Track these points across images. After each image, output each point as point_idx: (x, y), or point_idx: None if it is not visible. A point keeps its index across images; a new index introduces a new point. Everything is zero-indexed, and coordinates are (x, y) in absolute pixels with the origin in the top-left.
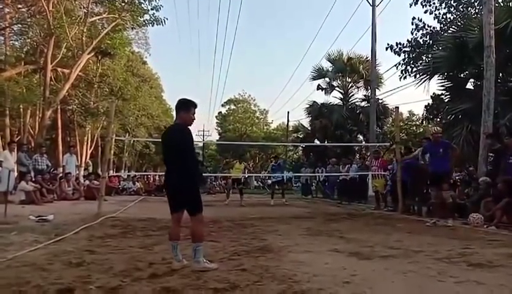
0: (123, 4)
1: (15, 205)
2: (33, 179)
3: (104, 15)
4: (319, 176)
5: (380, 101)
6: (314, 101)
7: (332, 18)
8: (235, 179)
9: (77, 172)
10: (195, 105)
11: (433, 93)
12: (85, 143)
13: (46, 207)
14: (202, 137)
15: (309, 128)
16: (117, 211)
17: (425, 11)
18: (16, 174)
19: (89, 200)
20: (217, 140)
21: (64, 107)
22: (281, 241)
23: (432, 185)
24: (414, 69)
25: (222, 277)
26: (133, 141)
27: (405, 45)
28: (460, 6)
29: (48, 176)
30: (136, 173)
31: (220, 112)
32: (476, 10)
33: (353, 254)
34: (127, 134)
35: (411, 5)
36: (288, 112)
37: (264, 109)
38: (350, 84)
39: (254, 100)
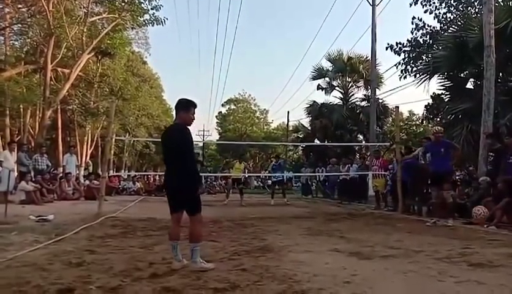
0: (123, 4)
1: (15, 205)
2: (33, 179)
3: (104, 15)
4: (319, 175)
5: (380, 101)
6: (314, 101)
7: (332, 18)
8: (235, 179)
9: (77, 172)
10: (194, 105)
11: (433, 93)
12: (85, 143)
13: (46, 207)
14: (202, 137)
15: (309, 128)
16: (118, 211)
17: (425, 11)
18: (16, 174)
19: (89, 200)
20: (217, 140)
21: (64, 107)
22: (281, 240)
23: (433, 185)
24: (414, 69)
25: (222, 277)
26: (133, 141)
27: (405, 45)
28: (460, 6)
29: (48, 176)
30: (137, 173)
31: (220, 112)
32: (476, 10)
33: (353, 254)
34: (127, 134)
35: (411, 5)
36: (288, 112)
37: (264, 109)
38: (350, 84)
39: (254, 99)
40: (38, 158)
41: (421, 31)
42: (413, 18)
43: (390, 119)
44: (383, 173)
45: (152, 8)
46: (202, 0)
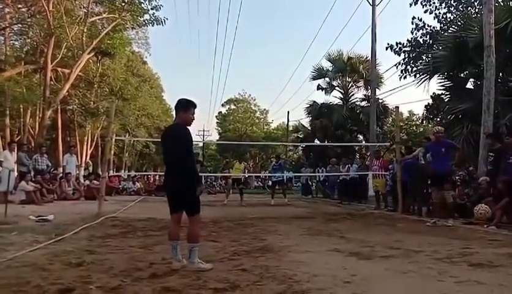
0: (123, 4)
1: (15, 205)
2: (33, 179)
3: (104, 15)
4: (319, 176)
5: (380, 101)
6: (314, 101)
7: (332, 18)
8: (235, 179)
9: (77, 172)
10: (194, 105)
11: (433, 93)
12: (85, 143)
13: (46, 207)
14: (202, 137)
15: (309, 128)
16: (118, 211)
17: (425, 11)
18: (16, 174)
19: (89, 200)
20: (217, 140)
21: (64, 107)
22: (281, 240)
23: (433, 185)
24: (414, 69)
25: (222, 277)
26: (133, 141)
27: (405, 45)
28: (460, 6)
29: (48, 176)
30: (137, 173)
31: (220, 112)
32: (476, 10)
33: (353, 254)
34: (127, 134)
35: (411, 5)
36: (288, 112)
37: (264, 109)
38: (350, 84)
39: (254, 99)
40: (38, 158)
41: (421, 31)
42: (413, 18)
43: (390, 119)
44: (383, 173)
45: (152, 8)
46: (202, 0)
